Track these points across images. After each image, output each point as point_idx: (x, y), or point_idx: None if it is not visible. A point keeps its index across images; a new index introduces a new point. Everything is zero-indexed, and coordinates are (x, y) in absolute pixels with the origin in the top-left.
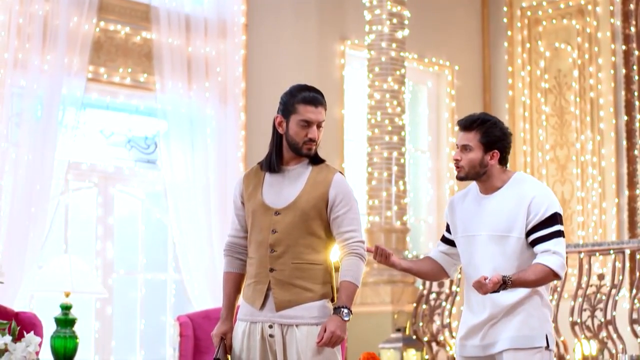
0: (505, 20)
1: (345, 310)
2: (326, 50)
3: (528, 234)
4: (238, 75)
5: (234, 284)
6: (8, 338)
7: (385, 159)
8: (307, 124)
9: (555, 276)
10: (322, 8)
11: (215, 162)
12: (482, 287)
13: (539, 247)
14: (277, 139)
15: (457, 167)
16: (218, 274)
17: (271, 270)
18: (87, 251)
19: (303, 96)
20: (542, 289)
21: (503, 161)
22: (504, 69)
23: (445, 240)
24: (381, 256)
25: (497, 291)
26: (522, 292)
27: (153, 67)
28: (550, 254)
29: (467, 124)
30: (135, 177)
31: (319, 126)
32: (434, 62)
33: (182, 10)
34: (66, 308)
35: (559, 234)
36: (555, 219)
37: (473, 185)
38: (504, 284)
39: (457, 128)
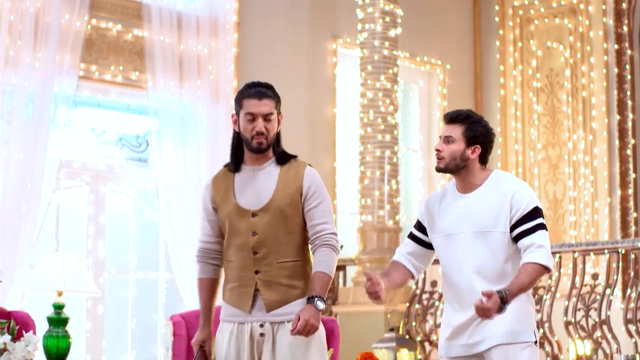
0: (497, 19)
1: (319, 300)
2: (318, 49)
3: (512, 228)
4: (230, 73)
5: (210, 290)
6: (7, 337)
7: (378, 158)
8: (252, 117)
9: (546, 269)
10: (314, 6)
11: (207, 161)
12: (485, 312)
13: (523, 241)
14: (235, 138)
15: (438, 158)
16: None
17: (256, 272)
18: (78, 250)
19: (248, 91)
20: None
21: (483, 160)
22: (496, 68)
23: (414, 238)
24: (373, 294)
25: (501, 310)
26: None
27: (145, 65)
28: (536, 248)
29: (452, 117)
30: (126, 175)
31: (266, 119)
32: (426, 60)
33: (174, 8)
34: (59, 307)
35: (542, 226)
36: (537, 212)
37: (449, 185)
38: (504, 299)
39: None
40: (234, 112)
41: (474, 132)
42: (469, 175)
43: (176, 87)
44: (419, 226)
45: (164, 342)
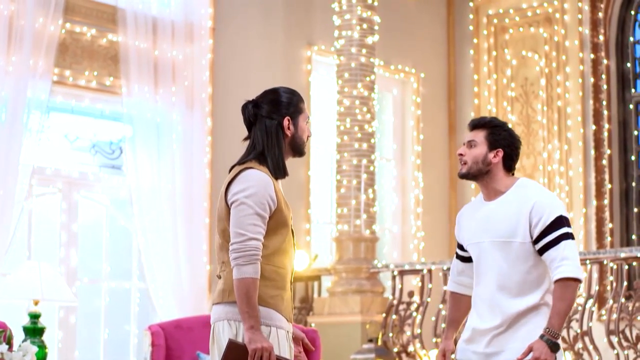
0: (471, 27)
1: None
2: (293, 56)
3: (535, 242)
4: (205, 79)
5: None
6: (5, 347)
7: (355, 167)
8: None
9: (577, 281)
10: (289, 13)
11: (181, 168)
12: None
13: (547, 255)
14: (282, 142)
15: (462, 163)
16: (183, 282)
17: (291, 283)
18: (50, 258)
19: (299, 96)
20: (550, 300)
21: (509, 166)
22: (470, 77)
23: (457, 256)
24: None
25: (555, 349)
26: (530, 300)
27: (119, 71)
28: (560, 262)
29: (475, 123)
30: (99, 182)
31: None
32: (400, 69)
33: (149, 12)
34: (35, 317)
35: (566, 236)
36: (559, 222)
37: (479, 195)
38: (550, 338)
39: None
40: (281, 116)
41: (497, 135)
42: (492, 182)
43: (151, 93)
44: (458, 243)
45: (138, 352)
